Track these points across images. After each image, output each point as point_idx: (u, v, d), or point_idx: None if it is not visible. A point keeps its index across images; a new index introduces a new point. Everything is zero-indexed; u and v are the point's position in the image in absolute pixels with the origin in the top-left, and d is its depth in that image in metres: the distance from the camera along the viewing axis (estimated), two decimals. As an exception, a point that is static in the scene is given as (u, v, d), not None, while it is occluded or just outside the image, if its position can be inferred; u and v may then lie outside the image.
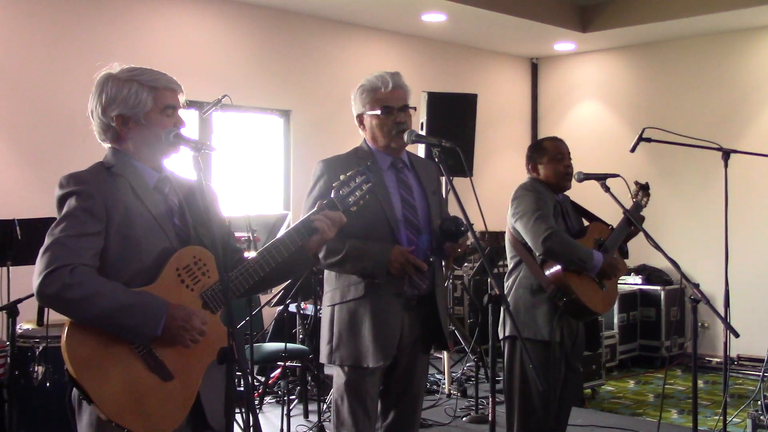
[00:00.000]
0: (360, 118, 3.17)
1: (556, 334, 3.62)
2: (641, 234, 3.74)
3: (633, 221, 3.80)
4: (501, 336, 3.80)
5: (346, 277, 3.06)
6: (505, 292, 3.81)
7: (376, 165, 3.05)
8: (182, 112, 2.37)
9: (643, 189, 4.06)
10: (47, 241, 2.14)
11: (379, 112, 3.08)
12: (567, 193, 3.94)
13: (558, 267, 3.62)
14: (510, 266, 3.85)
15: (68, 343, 2.11)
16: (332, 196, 2.49)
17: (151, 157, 2.32)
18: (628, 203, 3.94)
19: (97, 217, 2.17)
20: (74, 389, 2.19)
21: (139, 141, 2.30)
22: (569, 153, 3.87)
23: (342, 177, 2.52)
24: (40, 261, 2.11)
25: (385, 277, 2.97)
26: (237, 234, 4.37)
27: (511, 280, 3.82)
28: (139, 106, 2.27)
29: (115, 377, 2.12)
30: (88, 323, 2.12)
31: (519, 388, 3.71)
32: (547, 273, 3.65)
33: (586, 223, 3.97)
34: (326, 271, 3.16)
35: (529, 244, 3.67)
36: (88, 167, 2.29)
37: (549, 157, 3.81)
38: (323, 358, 3.11)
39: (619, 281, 3.96)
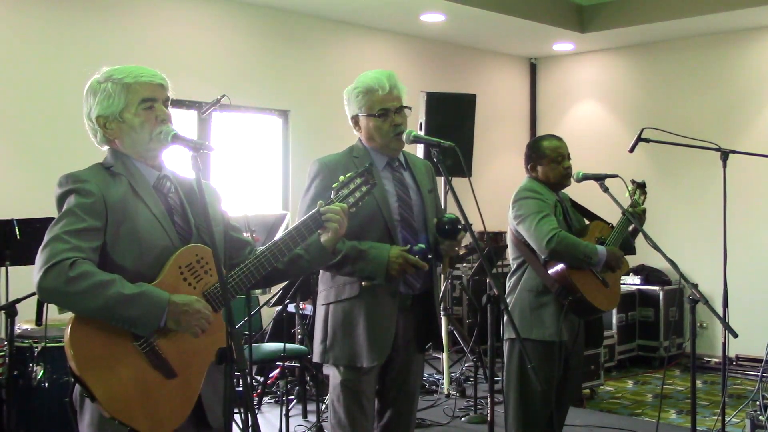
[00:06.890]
0: (355, 119, 3.12)
1: (563, 334, 3.64)
2: (641, 234, 3.75)
3: (632, 220, 3.80)
4: (505, 337, 3.80)
5: (340, 276, 3.04)
6: (507, 291, 3.82)
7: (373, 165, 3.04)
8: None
9: (641, 187, 4.05)
10: (47, 237, 2.14)
11: (375, 115, 3.05)
12: (566, 191, 3.95)
13: (562, 266, 3.62)
14: (513, 267, 3.85)
15: (72, 341, 2.11)
16: (332, 196, 2.49)
17: (141, 155, 2.31)
18: (626, 203, 3.94)
19: (97, 213, 2.17)
20: (76, 387, 2.19)
21: (125, 140, 2.30)
22: (568, 153, 3.87)
23: (342, 178, 2.51)
24: (40, 256, 2.11)
25: (384, 280, 2.94)
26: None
27: (513, 281, 3.81)
28: (113, 105, 2.28)
29: (118, 374, 2.12)
30: (90, 315, 2.12)
31: (518, 389, 3.71)
32: (550, 272, 3.66)
33: (586, 222, 3.97)
34: (321, 270, 3.14)
35: (533, 246, 3.67)
36: (87, 167, 2.29)
37: (548, 159, 3.81)
38: (316, 357, 3.08)
39: (619, 281, 3.96)
